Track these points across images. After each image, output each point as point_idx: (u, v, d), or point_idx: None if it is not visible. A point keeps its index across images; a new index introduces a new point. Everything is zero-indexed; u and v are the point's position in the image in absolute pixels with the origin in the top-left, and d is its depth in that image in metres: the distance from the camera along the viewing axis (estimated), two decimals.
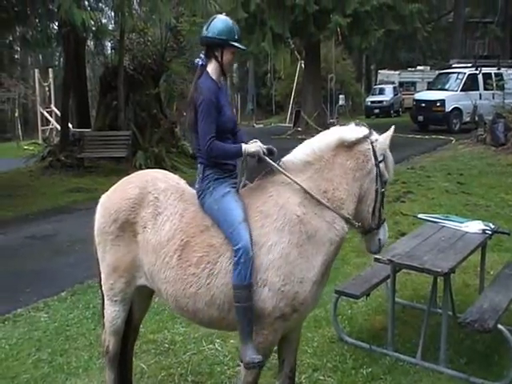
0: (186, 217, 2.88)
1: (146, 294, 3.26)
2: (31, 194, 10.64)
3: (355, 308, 4.82)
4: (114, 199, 3.04)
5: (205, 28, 2.92)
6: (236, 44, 2.88)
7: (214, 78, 2.92)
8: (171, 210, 2.89)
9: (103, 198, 3.16)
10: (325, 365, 3.92)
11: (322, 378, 3.75)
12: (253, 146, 2.88)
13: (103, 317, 3.28)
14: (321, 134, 2.95)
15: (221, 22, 2.88)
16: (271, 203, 2.78)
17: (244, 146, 2.87)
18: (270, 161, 2.88)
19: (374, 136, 2.90)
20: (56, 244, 7.30)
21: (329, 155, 2.82)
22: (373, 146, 2.84)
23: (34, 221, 8.61)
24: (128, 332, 3.30)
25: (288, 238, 2.70)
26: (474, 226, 4.54)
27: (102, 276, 3.12)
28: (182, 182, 3.13)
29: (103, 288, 3.15)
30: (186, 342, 4.33)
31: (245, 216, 2.74)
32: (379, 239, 2.97)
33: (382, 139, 2.89)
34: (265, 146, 2.93)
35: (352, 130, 2.88)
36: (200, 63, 2.94)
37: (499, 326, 3.54)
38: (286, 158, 2.90)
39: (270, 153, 2.92)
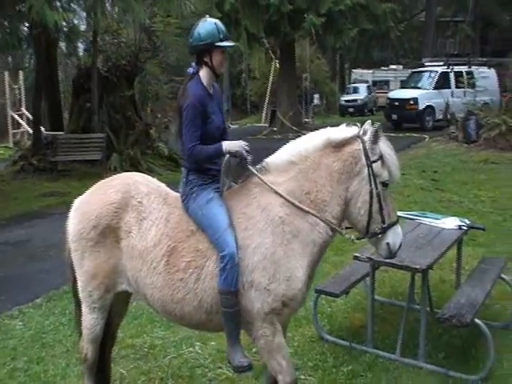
0: (172, 221, 2.85)
1: (124, 299, 3.22)
2: (3, 199, 10.38)
3: (334, 306, 4.84)
4: (93, 204, 2.95)
5: (189, 37, 2.89)
6: (221, 44, 2.82)
7: (205, 83, 2.88)
8: (156, 214, 2.85)
9: (78, 203, 3.07)
10: (305, 364, 3.92)
11: (302, 377, 3.74)
12: (235, 145, 2.83)
13: (78, 324, 3.21)
14: (309, 134, 2.91)
15: (202, 27, 2.83)
16: (254, 205, 2.76)
17: (225, 145, 2.82)
18: (251, 168, 2.82)
19: (367, 135, 2.77)
20: (30, 250, 7.14)
21: (315, 156, 2.76)
22: (364, 146, 2.75)
23: (6, 226, 8.41)
24: (106, 338, 3.24)
25: (271, 238, 2.69)
26: (450, 222, 4.60)
27: (80, 283, 3.04)
28: (163, 185, 3.09)
29: (81, 295, 3.07)
30: (165, 345, 4.28)
31: (229, 221, 2.72)
32: (387, 243, 2.80)
33: (373, 137, 2.75)
34: (246, 144, 2.87)
35: (340, 131, 2.82)
36: (191, 72, 2.91)
37: (476, 321, 3.59)
38: (271, 159, 2.87)
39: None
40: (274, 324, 2.74)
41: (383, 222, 2.76)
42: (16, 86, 21.12)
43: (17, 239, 7.69)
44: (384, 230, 2.77)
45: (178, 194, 2.96)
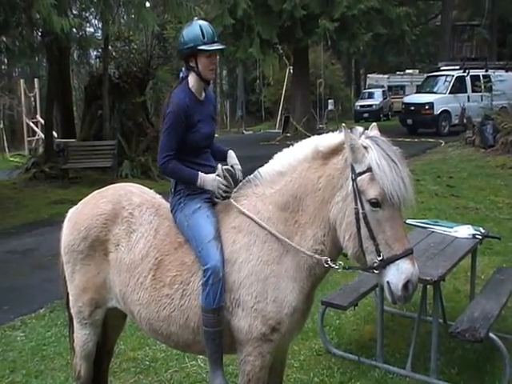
0: (161, 233, 2.70)
1: (119, 315, 3.05)
2: (14, 206, 10.41)
3: (343, 318, 4.67)
4: (84, 215, 2.84)
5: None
6: (204, 48, 2.63)
7: (193, 89, 2.73)
8: (146, 226, 2.71)
9: (72, 213, 2.96)
10: (312, 379, 3.76)
11: None
12: (210, 183, 2.64)
13: (71, 340, 3.09)
14: (301, 141, 2.58)
15: (186, 30, 2.69)
16: (242, 218, 2.57)
17: (201, 178, 2.65)
18: (232, 201, 2.62)
19: (359, 141, 2.30)
20: (37, 258, 7.07)
21: (303, 167, 2.47)
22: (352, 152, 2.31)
23: (15, 234, 8.38)
24: (101, 354, 3.13)
25: (257, 255, 2.48)
26: (464, 231, 4.40)
27: (71, 297, 2.92)
28: (158, 197, 2.95)
29: (72, 310, 2.95)
30: (167, 358, 4.15)
31: (216, 233, 2.55)
32: (387, 282, 2.25)
33: (353, 142, 2.27)
34: (224, 167, 2.71)
35: (327, 138, 2.46)
36: (181, 76, 2.79)
37: (491, 335, 3.40)
38: (263, 168, 2.66)
39: (230, 175, 2.72)
40: (263, 356, 2.51)
41: (378, 253, 2.25)
42: (31, 94, 21.34)
43: (24, 247, 7.64)
44: (383, 265, 2.24)
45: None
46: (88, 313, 2.85)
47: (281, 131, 22.60)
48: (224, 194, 2.65)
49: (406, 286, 2.22)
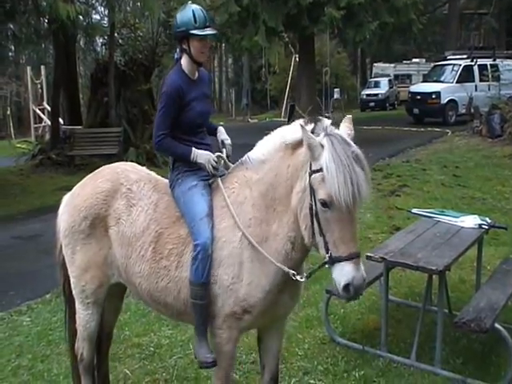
0: (160, 207, 2.80)
1: (117, 294, 3.17)
2: (20, 193, 10.46)
3: (348, 307, 4.66)
4: (84, 196, 2.92)
5: None
6: (196, 32, 2.70)
7: (186, 70, 2.83)
8: (145, 200, 2.82)
9: (68, 198, 3.05)
10: (316, 368, 3.77)
11: (312, 381, 3.61)
12: (203, 158, 2.74)
13: (69, 325, 3.19)
14: (278, 129, 2.60)
15: (180, 14, 2.79)
16: (232, 199, 2.64)
17: (194, 153, 2.76)
18: (219, 181, 2.70)
19: (317, 140, 2.27)
20: (43, 244, 7.08)
21: (278, 156, 2.51)
22: (309, 150, 2.29)
23: (21, 220, 8.43)
24: (101, 339, 3.22)
25: (239, 237, 2.56)
26: (470, 221, 4.38)
27: (72, 279, 3.00)
28: (153, 173, 3.06)
29: (74, 292, 3.02)
30: (172, 345, 4.18)
31: (209, 211, 2.63)
32: (333, 279, 2.30)
33: (309, 140, 2.25)
34: (215, 155, 2.79)
35: (293, 130, 2.46)
36: (176, 58, 2.89)
37: (497, 326, 3.39)
38: (251, 153, 2.68)
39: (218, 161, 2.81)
40: (231, 329, 2.62)
41: (327, 250, 2.27)
42: (38, 81, 21.33)
43: (31, 233, 7.68)
44: (331, 262, 2.27)
45: (167, 181, 2.92)
46: (90, 291, 2.93)
47: (286, 120, 22.53)
48: (213, 171, 2.74)
49: (346, 287, 2.26)
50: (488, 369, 3.66)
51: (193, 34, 2.71)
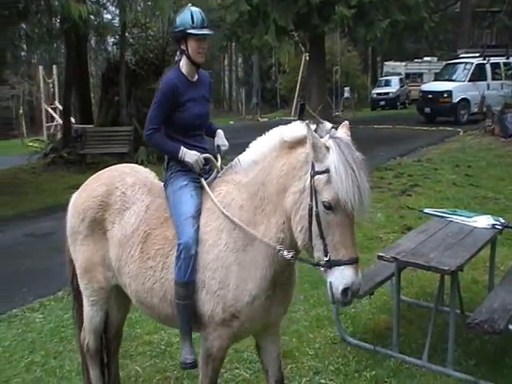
0: (151, 208, 2.83)
1: (123, 294, 3.14)
2: (32, 191, 10.56)
3: (359, 307, 4.65)
4: (82, 198, 3.00)
5: None
6: (192, 32, 2.75)
7: (184, 71, 2.87)
8: (138, 204, 2.86)
9: (74, 197, 3.11)
10: (327, 367, 3.76)
11: (323, 381, 3.60)
12: (191, 158, 2.75)
13: (77, 317, 3.30)
14: (273, 129, 2.56)
15: (178, 16, 2.85)
16: (218, 200, 2.63)
17: (182, 151, 2.78)
18: (203, 182, 2.74)
19: (322, 141, 2.26)
20: (55, 242, 7.10)
21: (272, 156, 2.48)
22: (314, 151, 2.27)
23: (33, 218, 8.52)
24: (109, 335, 3.27)
25: (225, 240, 2.54)
26: (483, 221, 4.34)
27: (78, 276, 3.08)
28: (151, 176, 3.10)
29: (80, 287, 3.10)
30: None
31: (196, 212, 2.64)
32: (330, 283, 2.24)
33: (315, 141, 2.23)
34: (202, 156, 2.80)
35: (293, 129, 2.42)
36: (176, 59, 2.95)
37: (510, 327, 3.36)
38: (242, 155, 2.67)
39: (206, 163, 2.84)
40: (222, 339, 2.60)
41: (325, 253, 2.24)
42: (50, 81, 21.51)
43: (43, 231, 7.74)
44: (329, 265, 2.23)
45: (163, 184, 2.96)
46: (91, 290, 3.00)
47: (296, 119, 22.49)
48: (200, 172, 2.77)
49: (345, 292, 2.23)
50: (501, 370, 3.62)
51: (190, 34, 2.77)
